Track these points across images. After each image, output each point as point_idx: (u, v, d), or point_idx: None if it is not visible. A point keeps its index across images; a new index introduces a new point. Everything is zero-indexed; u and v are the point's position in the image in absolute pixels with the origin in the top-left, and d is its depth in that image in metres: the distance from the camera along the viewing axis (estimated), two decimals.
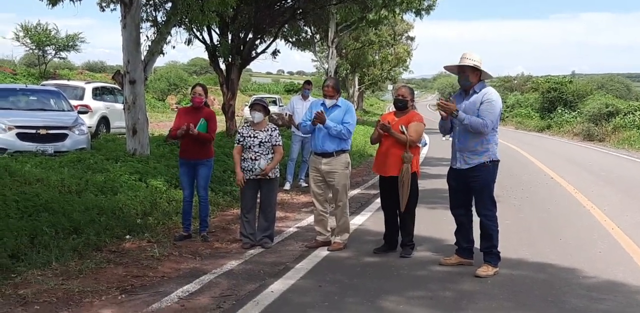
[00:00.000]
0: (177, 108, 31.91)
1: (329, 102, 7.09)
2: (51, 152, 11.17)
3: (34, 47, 39.74)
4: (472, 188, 6.27)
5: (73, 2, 10.52)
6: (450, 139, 6.53)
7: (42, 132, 11.57)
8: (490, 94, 6.12)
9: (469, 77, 6.19)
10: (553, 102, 43.59)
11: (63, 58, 43.44)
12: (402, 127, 6.72)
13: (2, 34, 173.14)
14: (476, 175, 6.19)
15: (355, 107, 45.22)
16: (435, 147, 21.25)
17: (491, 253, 6.23)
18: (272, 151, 7.15)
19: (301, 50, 30.72)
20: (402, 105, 6.91)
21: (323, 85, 7.23)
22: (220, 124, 19.43)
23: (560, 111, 41.53)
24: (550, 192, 12.25)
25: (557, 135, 36.64)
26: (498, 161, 6.28)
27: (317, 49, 36.69)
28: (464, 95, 6.30)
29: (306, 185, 11.48)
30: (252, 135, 7.13)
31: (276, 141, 7.19)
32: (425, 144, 8.01)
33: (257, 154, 7.06)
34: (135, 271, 6.05)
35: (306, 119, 7.23)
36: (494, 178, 6.29)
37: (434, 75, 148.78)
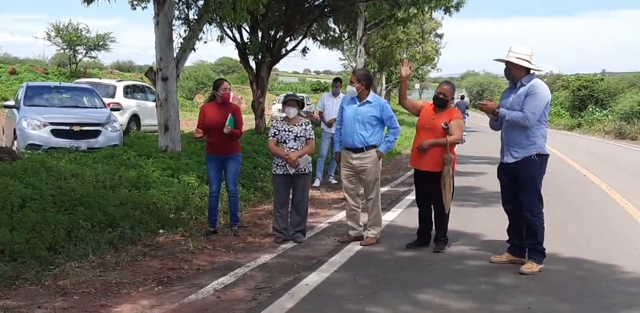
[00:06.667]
0: None
1: (349, 90, 7.11)
2: (84, 149, 11.31)
3: (65, 47, 40.32)
4: (519, 183, 6.15)
5: None
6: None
7: (76, 128, 11.73)
8: (536, 87, 6.00)
9: (512, 70, 6.13)
10: (584, 101, 42.98)
11: (93, 57, 44.06)
12: (445, 124, 6.68)
13: (33, 34, 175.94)
14: (522, 169, 6.08)
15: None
16: (465, 144, 21.10)
17: (536, 250, 6.13)
18: (305, 144, 7.18)
19: (329, 49, 30.75)
20: (442, 104, 6.85)
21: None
22: (249, 121, 19.62)
23: (591, 109, 40.92)
24: (583, 189, 12.11)
25: (588, 133, 36.14)
26: (547, 155, 6.15)
27: (345, 47, 36.67)
28: (513, 88, 6.24)
29: (336, 182, 11.50)
30: (286, 130, 7.16)
31: (310, 135, 7.22)
32: (464, 141, 7.91)
33: (292, 149, 7.09)
34: (171, 264, 6.11)
35: (339, 117, 7.36)
36: (541, 173, 6.16)
37: (461, 74, 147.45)
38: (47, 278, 5.46)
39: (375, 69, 43.25)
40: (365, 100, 7.09)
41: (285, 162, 7.09)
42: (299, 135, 7.14)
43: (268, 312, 4.80)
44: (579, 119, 41.23)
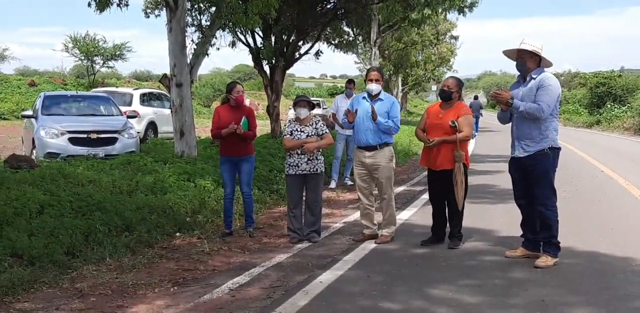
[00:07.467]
0: None
1: (374, 88, 7.09)
2: (102, 156, 11.45)
3: (82, 58, 40.79)
4: (532, 177, 6.11)
5: (120, 7, 10.72)
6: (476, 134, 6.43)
7: (93, 136, 11.89)
8: (547, 79, 5.98)
9: (526, 62, 6.09)
10: (602, 97, 42.51)
11: (111, 67, 44.50)
12: (453, 122, 6.68)
13: (51, 47, 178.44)
14: (535, 163, 6.05)
15: (400, 108, 44.78)
16: (481, 144, 21.05)
17: (551, 244, 6.10)
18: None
19: (344, 52, 30.76)
20: (446, 97, 6.86)
21: (367, 73, 7.28)
22: (265, 126, 19.71)
23: (609, 106, 40.46)
24: (600, 185, 12.02)
25: (607, 130, 35.75)
26: (559, 149, 6.13)
27: (359, 50, 36.65)
28: (522, 82, 6.22)
29: (351, 183, 11.51)
30: (298, 130, 7.23)
31: (322, 131, 7.26)
32: (475, 135, 7.89)
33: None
34: (187, 265, 6.18)
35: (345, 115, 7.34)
36: (554, 167, 6.12)
37: (478, 75, 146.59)
38: (65, 282, 5.54)
39: (391, 72, 43.18)
40: (377, 98, 7.12)
41: (298, 161, 7.14)
42: (310, 134, 7.19)
43: (282, 309, 4.84)
44: (598, 116, 40.73)
